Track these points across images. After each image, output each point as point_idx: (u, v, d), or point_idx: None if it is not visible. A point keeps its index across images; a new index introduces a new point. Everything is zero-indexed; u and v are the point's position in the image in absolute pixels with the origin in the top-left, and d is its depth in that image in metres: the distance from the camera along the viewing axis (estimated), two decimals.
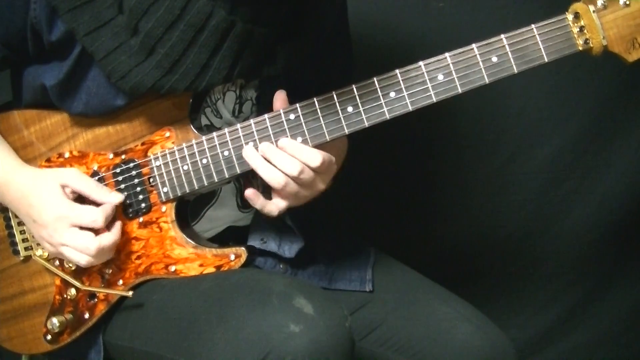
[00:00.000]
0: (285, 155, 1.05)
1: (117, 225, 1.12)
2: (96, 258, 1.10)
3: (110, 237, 1.10)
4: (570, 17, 1.04)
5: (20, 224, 1.20)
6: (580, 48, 1.04)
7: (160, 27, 1.03)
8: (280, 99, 1.08)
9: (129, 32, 1.04)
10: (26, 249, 1.20)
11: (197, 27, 1.03)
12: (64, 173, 1.13)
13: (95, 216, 1.09)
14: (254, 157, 1.07)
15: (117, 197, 1.12)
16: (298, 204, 1.11)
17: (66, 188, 1.12)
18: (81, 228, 1.10)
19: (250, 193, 1.08)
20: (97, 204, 1.12)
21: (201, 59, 1.05)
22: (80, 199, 1.13)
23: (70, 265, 1.17)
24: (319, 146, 1.08)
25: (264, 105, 1.12)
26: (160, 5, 1.03)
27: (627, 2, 1.03)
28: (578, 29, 1.04)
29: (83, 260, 1.09)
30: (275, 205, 1.09)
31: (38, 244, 1.19)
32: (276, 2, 1.06)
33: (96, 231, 1.10)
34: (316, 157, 1.05)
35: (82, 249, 1.08)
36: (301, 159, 1.05)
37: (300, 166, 1.04)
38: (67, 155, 1.16)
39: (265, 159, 1.07)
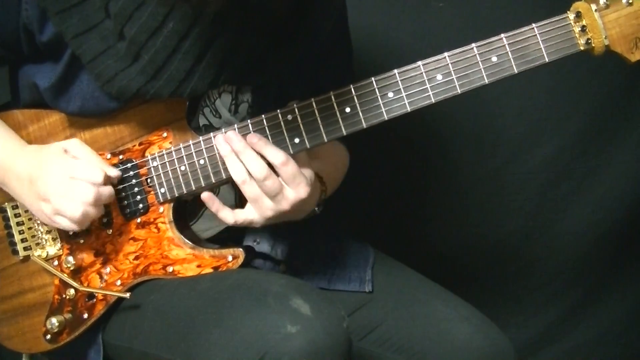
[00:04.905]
0: (256, 157, 1.04)
1: (111, 187, 1.11)
2: (92, 208, 1.08)
3: (108, 189, 1.09)
4: (571, 16, 1.03)
5: (19, 223, 1.20)
6: (582, 48, 1.03)
7: (144, 33, 1.03)
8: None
9: (116, 36, 1.04)
10: (25, 248, 1.20)
11: (180, 34, 1.03)
12: (67, 141, 1.13)
13: (97, 171, 1.08)
14: (227, 152, 1.06)
15: (115, 171, 1.12)
16: (264, 221, 1.09)
17: (68, 153, 1.11)
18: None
19: (206, 196, 1.09)
20: None
21: (185, 66, 1.04)
22: None
23: (69, 265, 1.17)
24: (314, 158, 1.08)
25: (257, 110, 1.11)
26: (144, 11, 1.02)
27: (630, 1, 1.02)
28: (580, 29, 1.03)
29: (79, 210, 1.07)
30: (233, 216, 1.08)
31: (37, 244, 1.19)
32: (265, 12, 1.05)
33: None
34: (280, 155, 1.04)
35: (80, 196, 1.06)
36: (266, 155, 1.04)
37: (266, 171, 1.03)
38: None
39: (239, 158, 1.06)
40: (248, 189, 1.06)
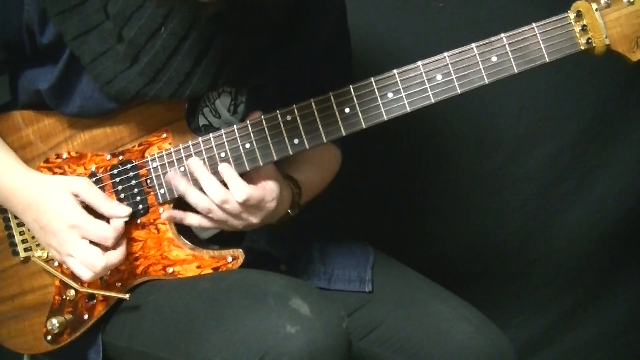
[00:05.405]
0: (213, 180, 1.07)
1: (124, 243, 1.11)
2: (99, 275, 1.09)
3: (116, 256, 1.09)
4: (572, 15, 1.03)
5: (19, 224, 1.20)
6: (583, 48, 1.03)
7: (143, 35, 1.03)
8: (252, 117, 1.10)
9: (115, 38, 1.04)
10: (25, 249, 1.20)
11: (180, 36, 1.03)
12: (75, 182, 1.12)
13: (107, 234, 1.08)
14: (178, 180, 1.09)
15: (125, 211, 1.11)
16: (233, 229, 1.11)
17: (77, 197, 1.11)
18: (90, 241, 1.09)
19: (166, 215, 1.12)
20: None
21: (185, 68, 1.04)
22: (88, 209, 1.12)
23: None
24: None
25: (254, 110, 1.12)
26: (143, 13, 1.02)
27: (632, 0, 1.02)
28: (580, 28, 1.02)
29: (87, 275, 1.08)
30: (198, 220, 1.10)
31: (37, 245, 1.19)
32: (264, 13, 1.05)
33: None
34: (242, 192, 1.05)
35: (89, 265, 1.07)
36: (230, 187, 1.06)
37: (224, 196, 1.05)
38: (65, 156, 1.16)
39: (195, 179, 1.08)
40: (215, 216, 1.08)
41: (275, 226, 1.16)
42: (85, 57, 1.05)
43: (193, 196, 1.08)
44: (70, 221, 1.08)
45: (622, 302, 1.95)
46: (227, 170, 1.07)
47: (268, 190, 1.08)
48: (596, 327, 1.96)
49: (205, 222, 1.10)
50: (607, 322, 1.96)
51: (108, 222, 1.11)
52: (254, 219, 1.09)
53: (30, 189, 1.12)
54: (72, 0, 1.04)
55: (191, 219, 1.11)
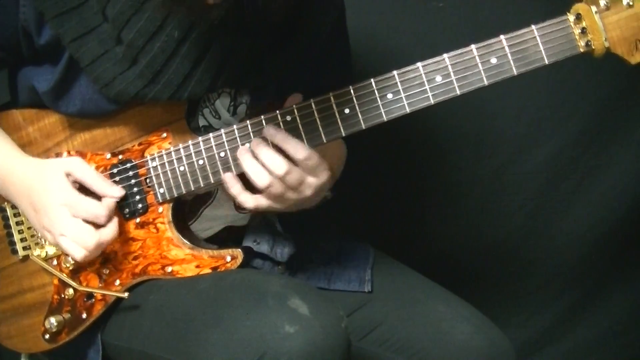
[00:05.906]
0: (273, 154, 1.03)
1: (115, 220, 1.11)
2: (93, 253, 1.09)
3: (109, 233, 1.09)
4: (571, 18, 1.03)
5: (18, 223, 1.20)
6: (582, 50, 1.03)
7: (142, 37, 1.03)
8: (292, 101, 1.08)
9: (113, 40, 1.05)
10: (24, 248, 1.21)
11: (178, 38, 1.03)
12: (68, 161, 1.12)
13: (99, 212, 1.08)
14: (242, 151, 1.06)
15: (118, 191, 1.12)
16: (283, 208, 1.09)
17: (70, 177, 1.11)
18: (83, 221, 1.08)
19: (228, 176, 1.07)
20: (97, 196, 1.11)
21: (184, 70, 1.05)
22: (82, 189, 1.12)
23: (68, 265, 1.17)
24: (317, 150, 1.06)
25: (256, 112, 1.11)
26: (142, 16, 1.03)
27: (631, 3, 1.02)
28: (580, 30, 1.02)
29: (79, 253, 1.08)
30: (254, 200, 1.07)
31: (36, 244, 1.19)
32: (263, 15, 1.05)
33: (95, 224, 1.09)
34: (302, 150, 1.03)
35: (81, 242, 1.07)
36: (287, 149, 1.03)
37: (287, 166, 1.02)
38: (65, 155, 1.16)
39: (254, 154, 1.05)
40: (272, 190, 1.05)
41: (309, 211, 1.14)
42: (84, 59, 1.05)
43: (251, 167, 1.03)
44: (61, 199, 1.08)
45: (622, 302, 1.95)
46: (278, 133, 1.04)
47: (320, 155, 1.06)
48: (596, 327, 1.96)
49: (262, 201, 1.06)
50: (607, 322, 1.96)
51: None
52: (309, 191, 1.05)
53: (26, 173, 1.12)
54: (70, 3, 1.04)
55: (246, 198, 1.07)
